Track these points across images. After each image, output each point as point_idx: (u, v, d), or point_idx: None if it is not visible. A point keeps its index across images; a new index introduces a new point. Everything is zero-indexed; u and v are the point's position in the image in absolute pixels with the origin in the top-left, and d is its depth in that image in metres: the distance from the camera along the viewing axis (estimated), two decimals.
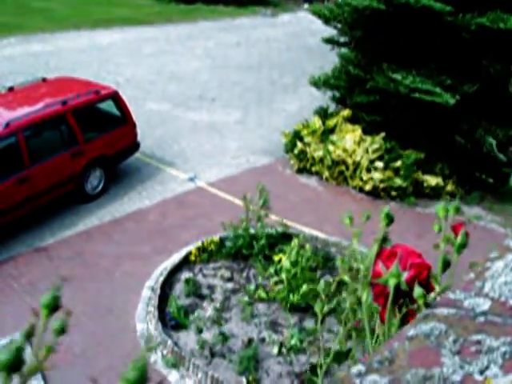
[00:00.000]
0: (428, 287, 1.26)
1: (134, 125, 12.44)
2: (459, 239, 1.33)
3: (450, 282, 1.26)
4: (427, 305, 1.12)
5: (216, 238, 9.98)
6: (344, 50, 15.15)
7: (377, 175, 12.75)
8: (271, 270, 9.10)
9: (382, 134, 13.29)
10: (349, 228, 1.54)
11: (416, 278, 1.26)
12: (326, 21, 15.27)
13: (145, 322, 8.46)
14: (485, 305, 0.96)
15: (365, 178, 12.82)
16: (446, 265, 1.33)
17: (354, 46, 14.81)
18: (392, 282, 1.22)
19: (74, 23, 25.31)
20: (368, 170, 12.88)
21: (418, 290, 1.18)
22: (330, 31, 15.62)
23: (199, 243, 9.93)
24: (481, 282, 1.03)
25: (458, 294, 1.00)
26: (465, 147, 13.11)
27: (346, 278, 1.48)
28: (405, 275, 1.25)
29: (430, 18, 12.28)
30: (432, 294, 1.24)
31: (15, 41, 22.25)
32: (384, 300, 1.26)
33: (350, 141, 13.19)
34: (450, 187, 13.23)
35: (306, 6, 31.62)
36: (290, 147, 13.97)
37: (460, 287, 1.03)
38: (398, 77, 12.63)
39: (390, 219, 1.38)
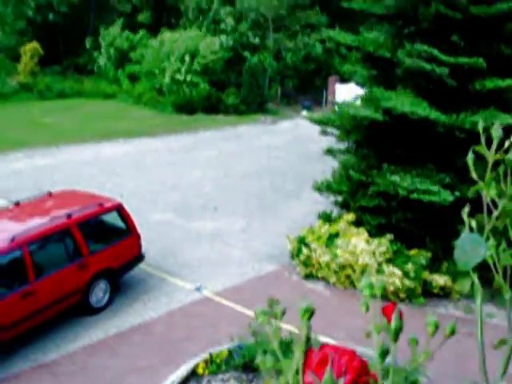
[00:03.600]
0: None
1: (138, 236, 12.47)
2: (393, 324, 1.18)
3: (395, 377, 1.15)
4: None
5: (224, 350, 9.76)
6: (344, 156, 15.41)
7: (385, 278, 12.63)
8: (282, 380, 8.83)
9: (388, 237, 13.29)
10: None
11: (355, 382, 1.13)
12: (323, 131, 15.66)
13: None
14: None
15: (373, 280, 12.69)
16: (385, 354, 1.16)
17: (354, 151, 15.09)
18: None
19: (79, 137, 25.93)
20: (377, 272, 12.77)
21: None
22: (330, 137, 15.97)
23: (207, 355, 9.70)
24: None
25: None
26: None
27: None
28: (342, 382, 1.10)
29: (426, 123, 12.56)
30: None
31: (22, 155, 22.72)
32: None
33: (357, 244, 13.16)
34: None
35: (304, 113, 32.50)
36: (295, 253, 13.93)
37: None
38: (396, 179, 12.77)
39: (310, 313, 1.24)
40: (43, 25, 42.55)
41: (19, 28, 41.19)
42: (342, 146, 15.89)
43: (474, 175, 1.57)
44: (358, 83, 16.53)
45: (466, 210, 1.56)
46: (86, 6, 45.45)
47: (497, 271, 1.45)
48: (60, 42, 44.53)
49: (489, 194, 1.49)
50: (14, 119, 29.60)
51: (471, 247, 1.37)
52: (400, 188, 12.64)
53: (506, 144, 1.54)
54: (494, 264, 1.45)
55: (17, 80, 37.22)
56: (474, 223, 1.50)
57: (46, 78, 38.23)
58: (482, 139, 1.54)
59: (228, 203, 18.18)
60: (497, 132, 1.53)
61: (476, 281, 1.45)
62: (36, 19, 41.79)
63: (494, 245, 1.45)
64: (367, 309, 1.30)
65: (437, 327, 1.31)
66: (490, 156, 1.52)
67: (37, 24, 42.26)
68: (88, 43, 41.90)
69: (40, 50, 38.43)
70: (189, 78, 33.62)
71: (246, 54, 36.57)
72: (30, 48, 38.02)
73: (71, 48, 44.11)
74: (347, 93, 23.86)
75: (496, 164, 1.52)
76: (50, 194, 12.59)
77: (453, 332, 1.31)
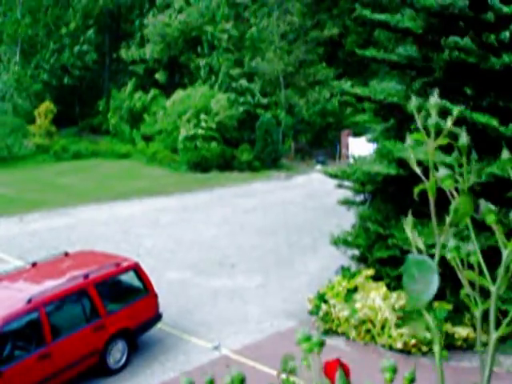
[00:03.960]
0: None
1: (155, 296, 12.38)
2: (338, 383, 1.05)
3: None
4: None
5: None
6: (361, 208, 15.38)
7: (406, 331, 12.41)
8: None
9: None
10: None
11: None
12: (339, 185, 15.66)
13: None
14: None
15: (394, 334, 12.48)
16: None
17: (370, 203, 15.05)
18: None
19: (95, 197, 26.10)
20: (397, 326, 12.57)
21: None
22: (344, 191, 15.97)
23: None
24: None
25: None
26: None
27: None
28: None
29: None
30: None
31: (39, 216, 22.85)
32: None
33: (376, 298, 12.99)
34: (482, 337, 12.76)
35: (318, 167, 32.60)
36: (314, 310, 13.76)
37: None
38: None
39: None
40: (59, 87, 43.49)
41: (35, 91, 42.11)
42: (358, 198, 15.89)
43: (416, 170, 1.33)
44: (370, 140, 16.60)
45: (410, 220, 1.32)
46: (100, 68, 46.50)
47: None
48: (76, 103, 45.41)
49: (446, 185, 1.25)
50: (30, 180, 29.94)
51: (420, 275, 1.16)
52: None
53: (449, 123, 1.26)
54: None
55: (33, 142, 37.81)
56: (421, 243, 1.28)
57: (61, 139, 38.82)
58: (419, 123, 1.29)
59: (244, 260, 18.09)
60: (434, 109, 1.25)
61: (431, 323, 1.24)
62: (52, 82, 42.74)
63: (456, 246, 1.24)
64: (309, 366, 1.15)
65: (395, 372, 1.19)
66: (431, 143, 1.25)
67: (52, 87, 43.20)
68: (101, 105, 42.68)
69: (53, 108, 39.15)
70: (203, 132, 33.96)
71: (259, 111, 37.00)
72: (44, 108, 38.77)
73: (86, 109, 44.94)
74: (360, 147, 23.99)
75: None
76: (66, 255, 12.61)
77: (412, 380, 1.19)
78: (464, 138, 1.28)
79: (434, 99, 1.25)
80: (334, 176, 15.52)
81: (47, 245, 18.34)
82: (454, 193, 1.23)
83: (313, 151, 38.79)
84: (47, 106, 38.94)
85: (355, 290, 13.70)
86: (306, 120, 38.33)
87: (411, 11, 14.09)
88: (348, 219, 16.17)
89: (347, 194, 16.24)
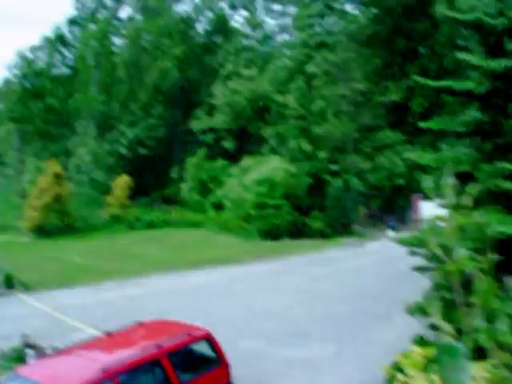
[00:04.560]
0: None
1: (227, 366, 12.21)
2: None
3: None
4: None
5: None
6: (435, 274, 14.93)
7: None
8: None
9: (492, 361, 12.52)
10: None
11: None
12: (413, 252, 15.29)
13: None
14: None
15: None
16: None
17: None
18: None
19: (168, 266, 26.42)
20: None
21: None
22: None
23: None
24: None
25: None
26: None
27: None
28: None
29: None
30: None
31: (113, 285, 23.25)
32: None
33: None
34: None
35: (390, 232, 32.15)
36: (390, 379, 13.27)
37: None
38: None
39: None
40: (132, 159, 44.94)
41: (109, 164, 43.64)
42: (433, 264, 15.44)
43: (438, 251, 1.22)
44: (440, 205, 16.22)
45: (436, 307, 1.21)
46: (171, 139, 47.83)
47: None
48: (148, 174, 46.72)
49: (466, 265, 1.13)
50: (105, 250, 30.67)
51: (451, 361, 1.04)
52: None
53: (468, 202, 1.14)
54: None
55: (108, 212, 38.93)
56: (449, 328, 1.19)
57: (134, 209, 39.82)
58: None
59: (318, 328, 17.77)
60: (451, 190, 1.13)
61: None
62: (128, 155, 44.26)
63: (487, 328, 1.15)
64: None
65: None
66: (450, 223, 1.11)
67: (126, 159, 44.69)
68: (174, 173, 43.67)
69: (130, 183, 40.39)
70: (272, 202, 34.19)
71: (327, 177, 37.07)
72: (122, 182, 39.99)
73: (158, 180, 46.13)
74: (432, 211, 23.52)
75: None
76: (140, 324, 12.67)
77: None
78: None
79: (451, 180, 1.20)
80: (407, 243, 15.17)
81: (121, 314, 18.55)
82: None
83: (384, 216, 38.39)
84: (125, 180, 40.19)
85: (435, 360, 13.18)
86: (374, 185, 38.13)
87: (477, 74, 13.97)
88: (423, 285, 15.70)
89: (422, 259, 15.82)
